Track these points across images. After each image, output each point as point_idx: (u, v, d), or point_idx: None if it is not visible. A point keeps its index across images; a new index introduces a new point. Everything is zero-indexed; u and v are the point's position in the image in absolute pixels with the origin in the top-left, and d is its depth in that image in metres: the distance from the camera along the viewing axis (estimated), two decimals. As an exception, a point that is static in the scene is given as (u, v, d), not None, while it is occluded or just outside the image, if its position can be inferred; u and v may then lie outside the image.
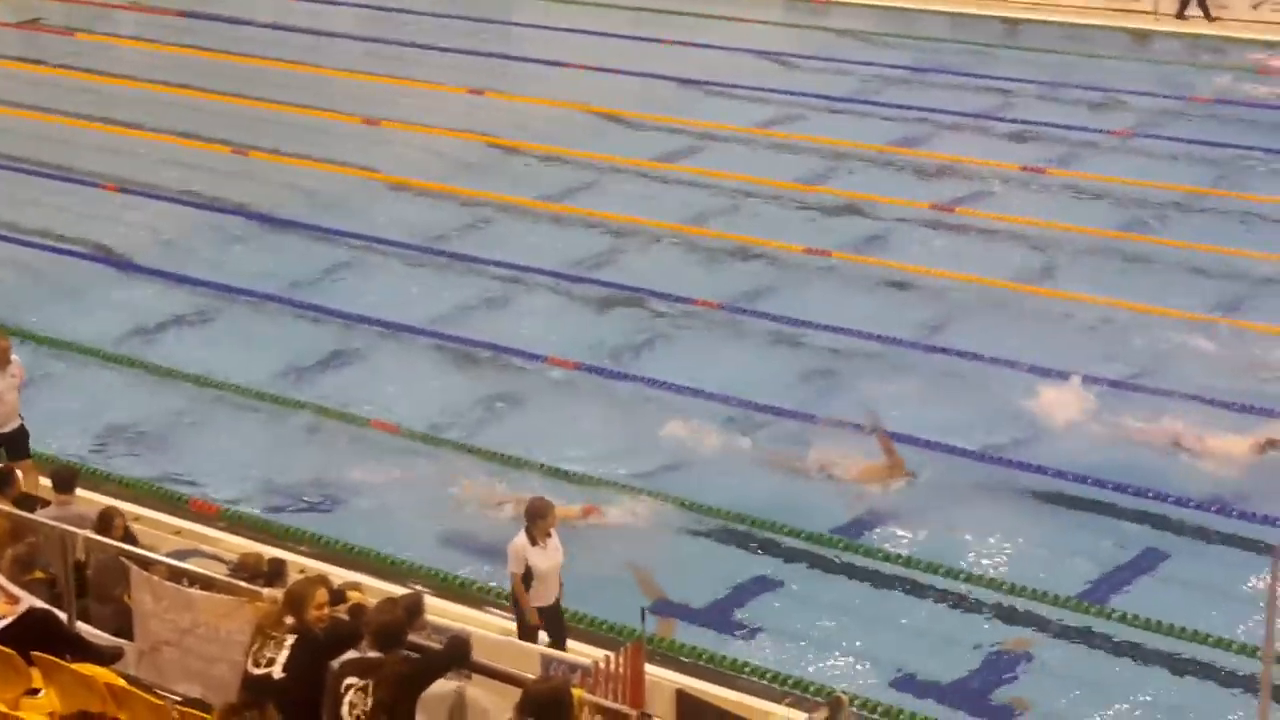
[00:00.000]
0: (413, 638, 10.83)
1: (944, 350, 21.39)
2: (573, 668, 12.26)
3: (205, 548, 15.98)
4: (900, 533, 17.30)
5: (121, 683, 10.73)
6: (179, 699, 11.04)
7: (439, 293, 23.59)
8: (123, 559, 12.40)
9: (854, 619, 15.93)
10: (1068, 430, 19.15)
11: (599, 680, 11.27)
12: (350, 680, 10.05)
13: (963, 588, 16.28)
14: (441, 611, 14.25)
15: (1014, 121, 30.89)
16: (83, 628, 12.28)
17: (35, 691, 10.88)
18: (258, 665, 10.50)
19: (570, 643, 14.36)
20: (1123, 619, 15.67)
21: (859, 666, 15.20)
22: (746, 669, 14.82)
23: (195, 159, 29.46)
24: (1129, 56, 35.77)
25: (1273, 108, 31.47)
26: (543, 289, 23.74)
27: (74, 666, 10.87)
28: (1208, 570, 16.71)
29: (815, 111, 31.76)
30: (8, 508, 13.83)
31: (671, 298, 23.04)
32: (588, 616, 15.30)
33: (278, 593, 11.32)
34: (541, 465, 18.50)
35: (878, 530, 17.40)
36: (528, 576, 14.25)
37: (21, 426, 17.10)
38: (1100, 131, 30.03)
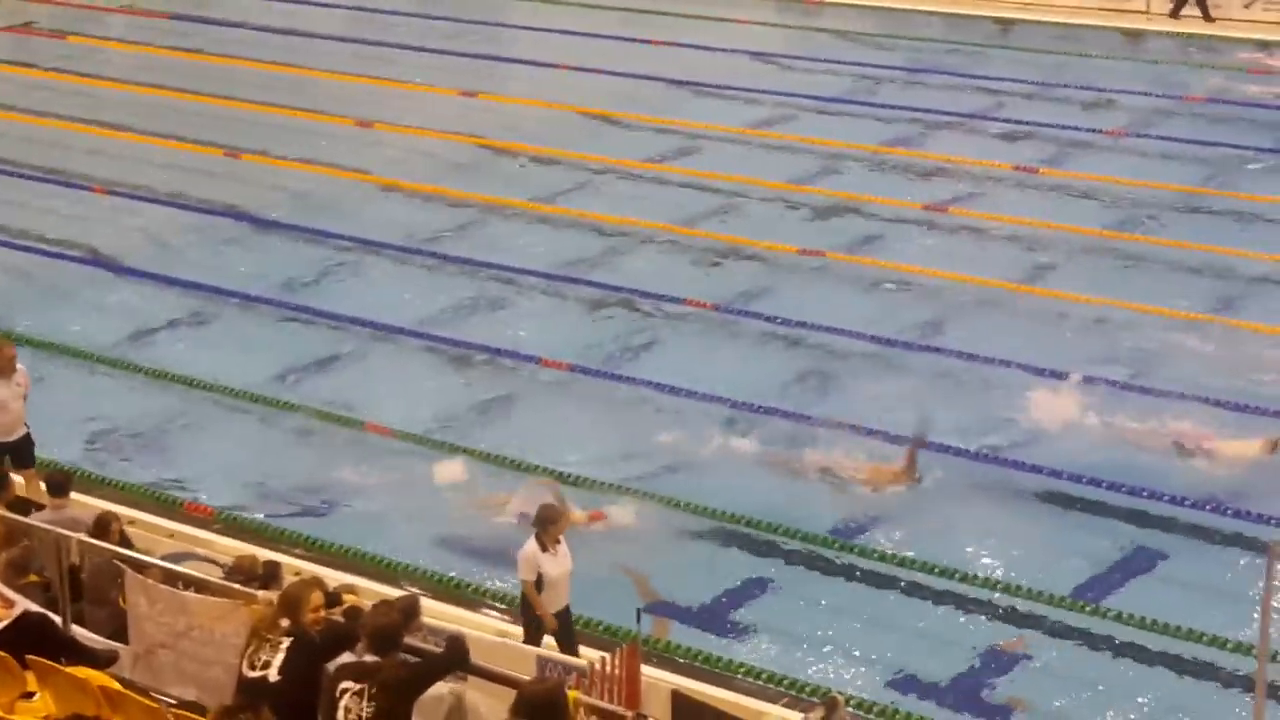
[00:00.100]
0: (409, 640, 10.82)
1: (938, 350, 21.37)
2: (568, 669, 12.26)
3: (200, 551, 15.94)
4: (896, 533, 17.27)
5: (116, 686, 10.71)
6: (174, 702, 11.01)
7: (431, 294, 23.56)
8: (117, 562, 12.37)
9: (849, 619, 15.91)
10: (1063, 430, 19.13)
11: (594, 681, 11.26)
12: (346, 684, 10.03)
13: (959, 588, 16.26)
14: (436, 613, 14.20)
15: (1007, 121, 30.88)
16: (77, 631, 12.26)
17: (30, 695, 10.86)
18: (253, 668, 10.49)
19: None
20: (1119, 618, 15.66)
21: (854, 667, 15.17)
22: (742, 670, 14.80)
23: (186, 161, 29.43)
24: (1122, 56, 35.77)
25: (1266, 107, 31.49)
26: (535, 290, 23.72)
27: (69, 670, 10.85)
28: (1203, 569, 16.70)
29: (808, 112, 31.75)
30: (2, 512, 13.80)
31: (664, 298, 23.02)
32: (583, 617, 15.23)
33: (272, 595, 11.30)
34: (535, 467, 18.47)
35: (873, 531, 17.37)
36: (539, 584, 14.14)
37: (27, 435, 17.01)
38: (1093, 131, 30.03)
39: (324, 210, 26.83)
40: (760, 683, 14.60)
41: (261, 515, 17.70)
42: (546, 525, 14.22)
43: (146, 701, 10.52)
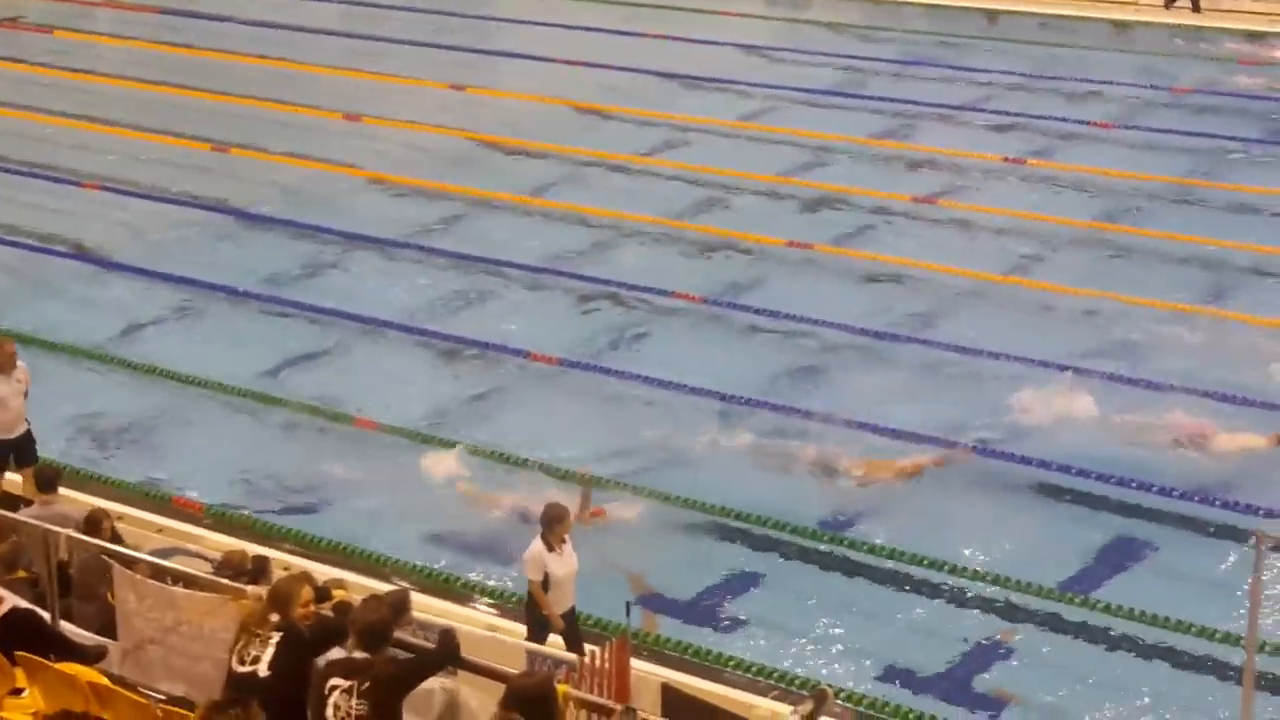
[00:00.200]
0: (399, 635, 10.80)
1: (927, 342, 21.38)
2: (558, 663, 12.25)
3: (189, 546, 15.92)
4: (885, 526, 17.27)
5: (105, 682, 10.69)
6: (163, 697, 11.00)
7: (420, 288, 23.55)
8: (105, 557, 12.36)
9: (839, 612, 15.91)
10: (1052, 422, 19.14)
11: (584, 675, 11.25)
12: (335, 681, 10.00)
13: (948, 580, 16.28)
14: (426, 607, 14.20)
15: (996, 113, 30.91)
16: (66, 627, 12.24)
17: (19, 691, 10.83)
18: (242, 663, 10.46)
19: (555, 637, 14.29)
20: (1108, 610, 15.67)
21: (844, 659, 15.18)
22: (731, 663, 14.80)
23: (175, 156, 29.39)
24: (1110, 47, 35.79)
25: (1254, 98, 31.51)
26: (524, 284, 23.70)
27: (57, 666, 10.83)
28: (1192, 561, 16.73)
29: (796, 104, 31.77)
30: (-11, 507, 13.80)
31: (654, 291, 23.01)
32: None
33: (261, 590, 11.28)
34: (525, 460, 18.46)
35: (862, 523, 17.38)
36: (545, 584, 14.05)
37: (28, 432, 16.97)
38: (1082, 123, 30.06)
39: (313, 204, 26.81)
40: (750, 676, 14.60)
41: (250, 510, 17.67)
42: (552, 525, 14.09)
43: (135, 697, 10.50)
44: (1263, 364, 20.38)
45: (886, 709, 14.23)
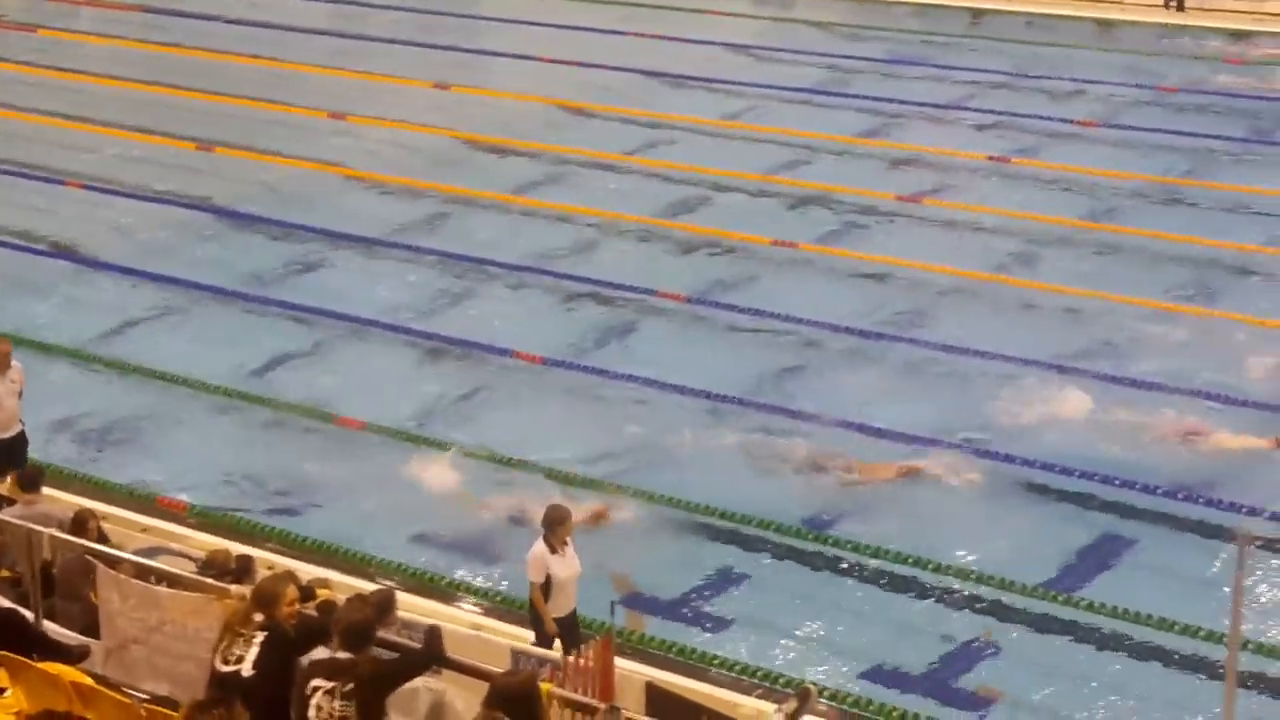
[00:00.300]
0: (384, 634, 10.80)
1: (913, 341, 21.40)
2: (542, 661, 12.26)
3: (173, 545, 15.89)
4: (870, 525, 17.28)
5: (89, 681, 10.66)
6: (146, 697, 10.98)
7: (406, 287, 23.54)
8: (89, 557, 12.34)
9: (823, 610, 15.92)
10: (1037, 420, 19.17)
11: (568, 674, 11.26)
12: (317, 683, 9.99)
13: (932, 578, 16.30)
14: (411, 606, 14.19)
15: (981, 112, 30.94)
16: (49, 626, 12.22)
17: (1, 691, 10.80)
18: (226, 662, 10.44)
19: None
20: (1091, 607, 15.71)
21: (829, 658, 15.19)
22: (716, 661, 14.80)
23: (160, 155, 29.36)
24: (1095, 46, 35.84)
25: (1239, 96, 31.57)
26: (509, 283, 23.69)
27: (41, 665, 10.79)
28: (1175, 558, 16.76)
29: (782, 103, 31.79)
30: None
31: (640, 291, 23.01)
32: (557, 610, 15.27)
33: (245, 590, 11.27)
34: (509, 459, 18.46)
35: (847, 522, 17.39)
36: (547, 586, 14.04)
37: (22, 433, 16.93)
38: (1067, 121, 30.10)
39: (299, 203, 26.80)
40: (734, 675, 14.61)
41: (235, 509, 17.66)
42: (554, 526, 14.03)
43: (119, 697, 10.48)
44: (1248, 362, 20.41)
45: (871, 707, 14.24)
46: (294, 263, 24.54)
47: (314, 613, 11.22)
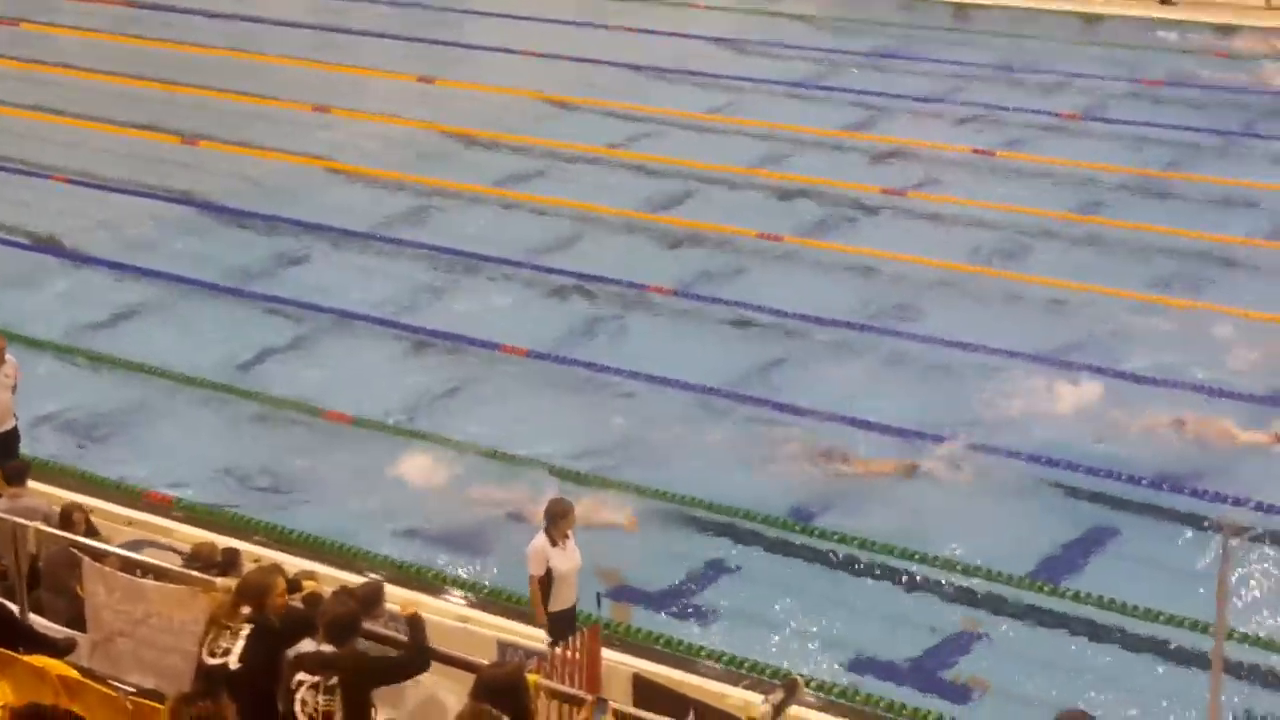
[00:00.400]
0: (371, 627, 10.80)
1: (897, 334, 21.41)
2: (529, 653, 12.26)
3: (159, 538, 15.87)
4: (857, 516, 17.29)
5: (75, 674, 10.66)
6: (133, 690, 10.97)
7: (392, 281, 23.51)
8: (74, 550, 12.31)
9: (810, 602, 15.92)
10: (1024, 412, 19.19)
11: (555, 665, 11.27)
12: (302, 677, 10.00)
13: (919, 569, 16.31)
14: (397, 599, 14.15)
15: (966, 105, 30.95)
16: (35, 620, 12.20)
17: (-13, 684, 10.79)
18: (213, 655, 10.44)
19: (525, 627, 14.27)
20: (1077, 598, 15.73)
21: (815, 649, 15.19)
22: (703, 653, 14.80)
23: (143, 149, 29.30)
24: (1080, 40, 35.86)
25: (1224, 89, 31.61)
26: (496, 276, 23.67)
27: (26, 659, 10.79)
28: (1161, 549, 16.77)
29: (766, 96, 31.78)
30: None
31: (625, 284, 23.01)
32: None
33: (231, 582, 11.26)
34: (494, 452, 18.45)
35: (834, 514, 17.39)
36: (549, 579, 14.03)
37: (14, 429, 16.86)
38: (1052, 114, 30.12)
39: (283, 197, 26.75)
40: (721, 666, 14.61)
41: (221, 502, 17.63)
42: (556, 520, 14.01)
43: (105, 690, 10.47)
44: (1234, 353, 20.44)
45: (858, 698, 14.25)
46: (279, 256, 24.50)
47: (300, 605, 11.21)
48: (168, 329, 22.17)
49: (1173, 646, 15.08)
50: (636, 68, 33.67)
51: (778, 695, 11.49)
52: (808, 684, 13.72)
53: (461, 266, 23.92)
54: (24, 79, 33.84)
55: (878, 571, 16.37)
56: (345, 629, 10.21)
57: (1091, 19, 37.56)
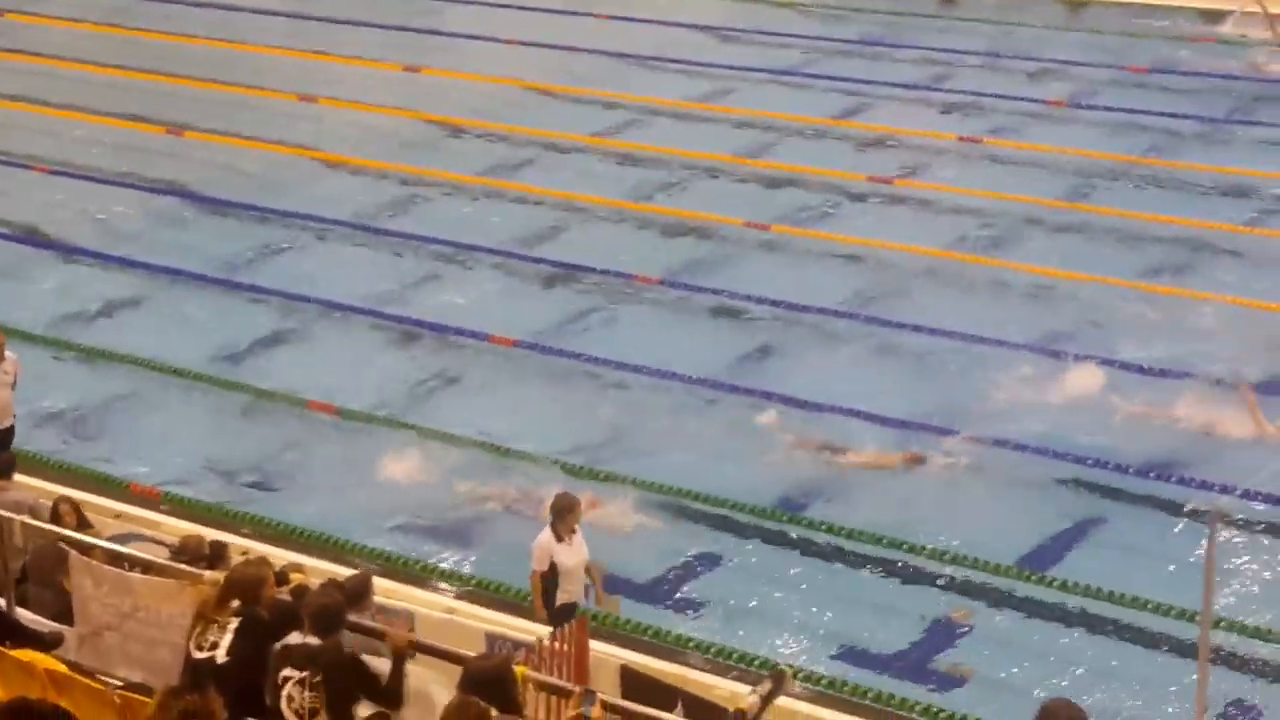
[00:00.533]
0: (358, 619, 10.78)
1: (885, 322, 21.40)
2: (516, 645, 12.24)
3: (146, 532, 15.83)
4: (844, 506, 17.29)
5: (62, 668, 10.62)
6: (120, 684, 10.93)
7: (378, 271, 23.47)
8: (61, 544, 12.28)
9: (797, 592, 15.94)
10: (1011, 400, 19.19)
11: (543, 657, 11.25)
12: (288, 672, 9.99)
13: (906, 559, 16.32)
14: (385, 590, 14.16)
15: (952, 92, 30.92)
16: (22, 613, 12.17)
17: (-26, 679, 10.77)
18: (200, 649, 10.42)
19: (513, 619, 14.26)
20: (1063, 586, 15.75)
21: (803, 639, 15.22)
22: (691, 644, 14.79)
23: (129, 139, 29.22)
24: (1066, 26, 35.83)
25: (1211, 76, 31.59)
26: (482, 266, 23.64)
27: (13, 653, 10.76)
28: (1147, 537, 16.81)
29: (753, 85, 31.72)
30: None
31: (612, 273, 22.99)
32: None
33: (219, 575, 11.24)
34: (484, 443, 18.43)
35: (821, 504, 17.40)
36: (553, 574, 14.01)
37: (11, 427, 16.80)
38: (1039, 102, 30.10)
39: (269, 187, 26.69)
40: (709, 657, 14.59)
41: (208, 495, 17.60)
42: (563, 514, 14.04)
43: (92, 684, 10.44)
44: (1219, 340, 20.45)
45: (845, 688, 14.24)
46: (265, 247, 24.46)
47: (288, 597, 11.19)
48: (154, 320, 22.14)
49: (1160, 635, 15.09)
50: (622, 55, 33.61)
51: (765, 686, 11.45)
52: (796, 674, 13.71)
53: (449, 256, 23.88)
54: (7, 69, 33.72)
55: (865, 561, 16.38)
56: (330, 619, 10.19)
57: (1077, 5, 37.47)
